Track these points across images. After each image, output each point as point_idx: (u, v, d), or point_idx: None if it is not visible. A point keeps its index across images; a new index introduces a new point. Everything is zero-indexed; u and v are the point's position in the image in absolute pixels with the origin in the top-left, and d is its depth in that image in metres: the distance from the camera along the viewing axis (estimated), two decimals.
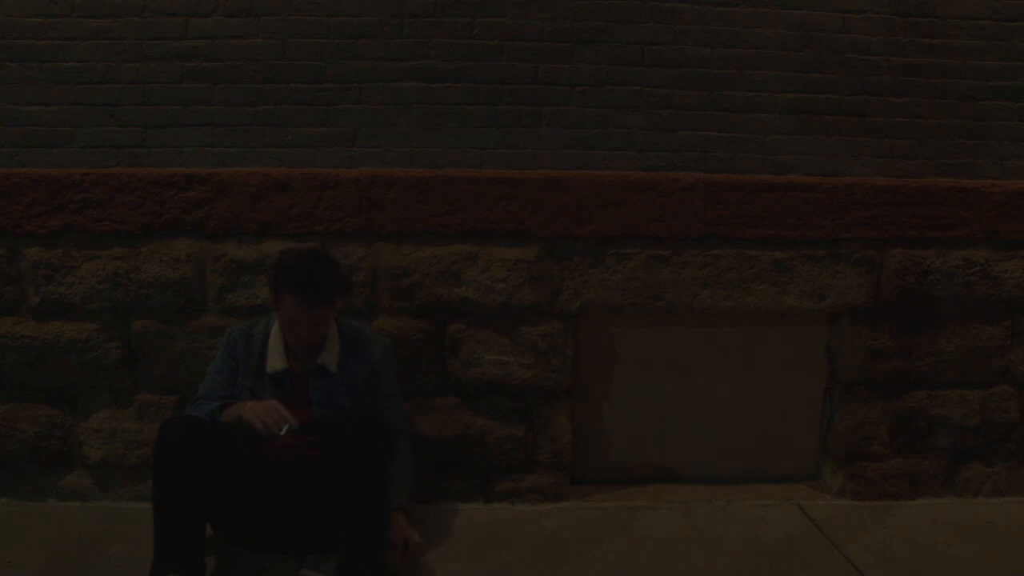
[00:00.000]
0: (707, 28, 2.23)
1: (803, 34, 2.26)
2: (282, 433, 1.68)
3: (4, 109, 2.13)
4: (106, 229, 2.09)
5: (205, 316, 2.14)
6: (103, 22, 2.13)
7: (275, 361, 1.85)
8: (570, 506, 2.23)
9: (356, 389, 1.90)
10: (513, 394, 2.22)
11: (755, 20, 2.25)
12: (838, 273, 2.25)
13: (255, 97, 2.16)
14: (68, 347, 2.12)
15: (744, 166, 2.27)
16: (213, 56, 2.14)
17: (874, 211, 2.23)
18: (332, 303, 1.83)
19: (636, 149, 2.24)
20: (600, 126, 2.23)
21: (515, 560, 1.92)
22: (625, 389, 2.33)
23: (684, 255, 2.21)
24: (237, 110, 2.17)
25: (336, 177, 2.12)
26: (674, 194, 2.18)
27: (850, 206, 2.22)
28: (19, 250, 2.10)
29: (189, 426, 1.72)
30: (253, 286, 2.12)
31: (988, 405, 2.32)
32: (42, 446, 2.17)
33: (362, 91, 2.17)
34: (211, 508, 1.72)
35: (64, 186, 2.07)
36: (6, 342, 2.12)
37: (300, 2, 2.15)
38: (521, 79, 2.20)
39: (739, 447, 2.38)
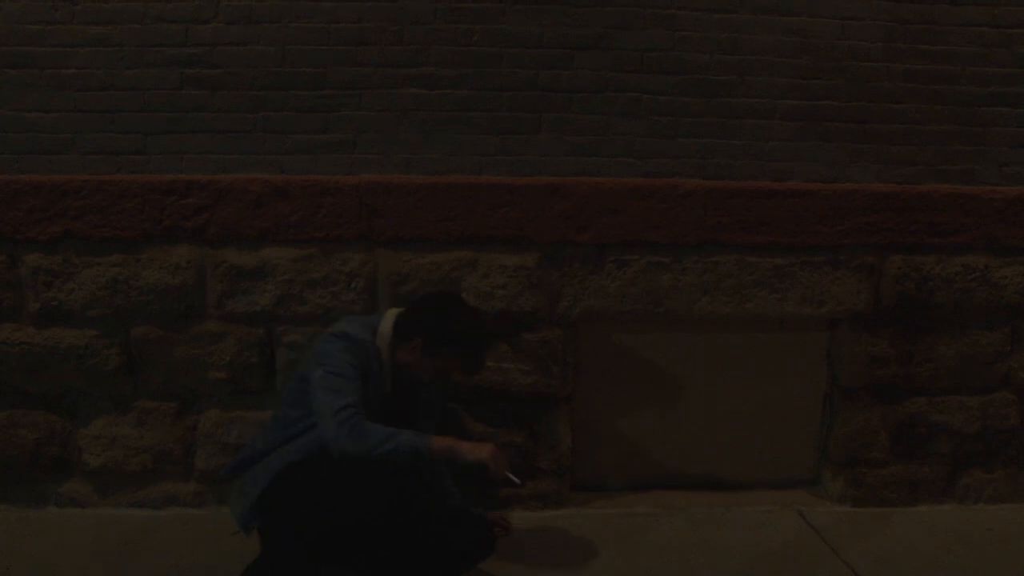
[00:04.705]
0: (707, 34, 2.23)
1: (802, 40, 2.26)
2: (518, 482, 1.69)
3: (4, 116, 2.13)
4: (106, 235, 2.09)
5: (205, 322, 2.14)
6: (103, 29, 2.12)
7: (388, 383, 1.80)
8: (570, 513, 2.23)
9: (436, 410, 1.96)
10: (513, 401, 2.22)
11: (755, 26, 2.24)
12: (838, 279, 2.25)
13: (255, 104, 2.16)
14: (67, 354, 2.12)
15: (744, 172, 2.27)
16: (213, 63, 2.14)
17: (874, 217, 2.23)
18: None
19: (636, 156, 2.24)
20: (600, 133, 2.23)
21: (514, 568, 1.91)
22: (625, 395, 2.33)
23: (684, 262, 2.21)
24: (237, 117, 2.17)
25: (336, 184, 2.12)
26: (674, 200, 2.18)
27: (850, 212, 2.22)
28: (19, 256, 2.10)
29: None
30: (253, 292, 2.12)
31: (988, 411, 2.32)
32: (42, 453, 2.17)
33: (362, 98, 2.17)
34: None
35: (64, 193, 2.07)
36: (6, 349, 2.11)
37: (300, 9, 2.15)
38: (521, 86, 2.20)
39: (739, 453, 2.38)
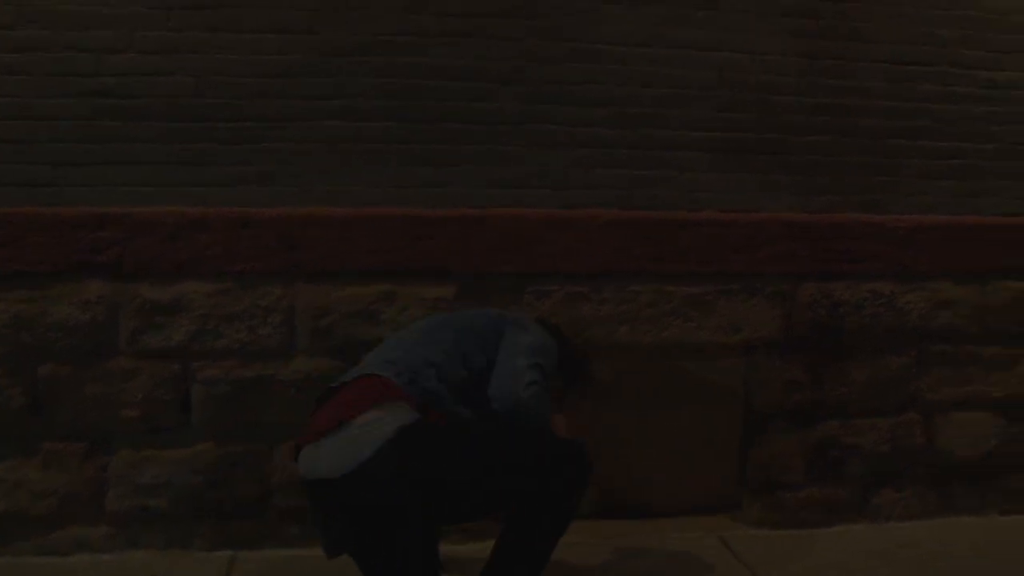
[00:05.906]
0: (627, 68, 2.29)
1: (720, 75, 2.34)
2: None
3: None
4: (14, 270, 2.03)
5: (117, 359, 2.08)
6: (12, 57, 2.06)
7: None
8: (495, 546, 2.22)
9: None
10: None
11: (674, 61, 2.32)
12: (753, 307, 2.31)
13: (172, 135, 2.12)
14: None
15: (663, 202, 2.31)
16: (127, 93, 2.10)
17: (788, 246, 2.31)
18: None
19: (557, 187, 2.27)
20: (521, 164, 2.25)
21: None
22: None
23: (603, 292, 2.24)
24: (154, 148, 2.12)
25: (256, 216, 2.10)
26: (593, 231, 2.22)
27: (765, 241, 2.30)
28: None
29: None
30: (167, 328, 2.08)
31: (897, 432, 2.40)
32: None
33: (283, 130, 2.16)
34: None
35: None
36: None
37: (219, 40, 2.13)
38: (443, 118, 2.21)
39: (664, 480, 2.40)
